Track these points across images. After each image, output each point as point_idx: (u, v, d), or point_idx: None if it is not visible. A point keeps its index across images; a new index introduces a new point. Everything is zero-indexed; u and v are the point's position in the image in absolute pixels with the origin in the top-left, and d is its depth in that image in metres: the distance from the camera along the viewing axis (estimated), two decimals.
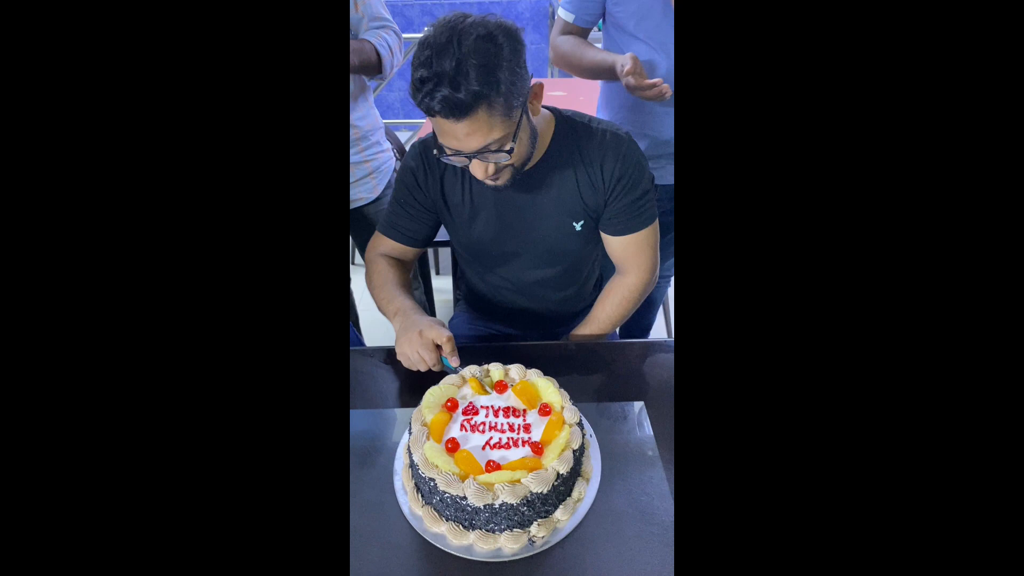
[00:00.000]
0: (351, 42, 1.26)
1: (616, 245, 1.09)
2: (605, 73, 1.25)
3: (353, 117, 1.40)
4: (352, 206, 1.51)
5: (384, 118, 1.60)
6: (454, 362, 0.96)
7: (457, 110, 0.82)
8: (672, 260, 1.64)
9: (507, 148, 0.89)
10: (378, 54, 1.31)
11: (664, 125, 1.32)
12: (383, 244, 1.14)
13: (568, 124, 1.03)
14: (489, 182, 0.95)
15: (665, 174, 1.39)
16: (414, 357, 0.97)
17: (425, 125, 0.90)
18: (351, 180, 1.47)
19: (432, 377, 0.97)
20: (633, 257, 1.09)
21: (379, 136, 1.51)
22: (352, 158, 1.44)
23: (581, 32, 1.33)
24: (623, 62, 1.16)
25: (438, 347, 0.97)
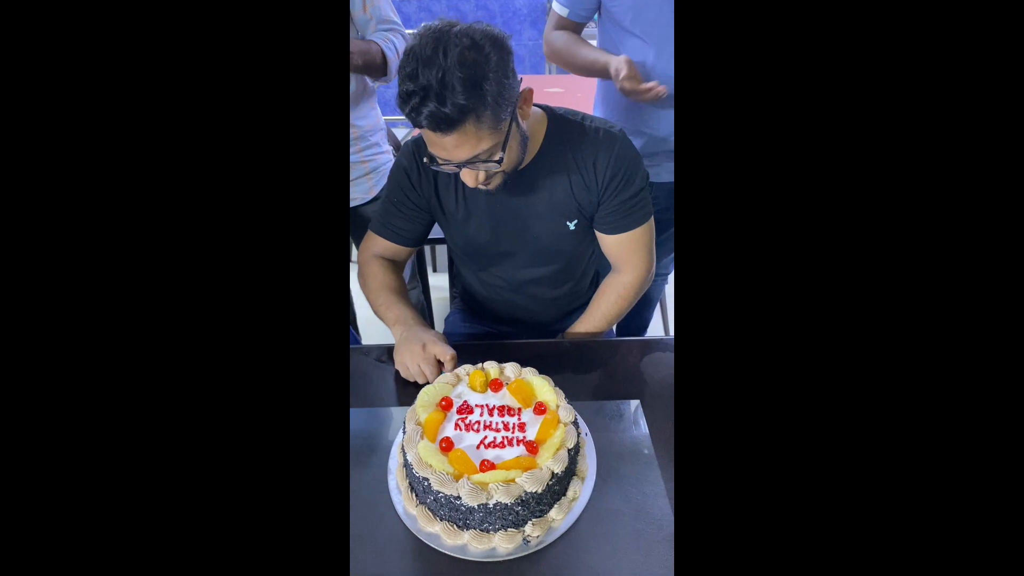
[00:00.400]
0: (358, 42, 1.25)
1: (611, 243, 1.08)
2: (599, 72, 1.25)
3: (353, 116, 1.40)
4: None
5: (382, 114, 1.59)
6: (450, 376, 0.96)
7: (444, 124, 0.81)
8: (669, 258, 1.64)
9: (496, 158, 0.88)
10: (384, 56, 1.31)
11: (661, 122, 1.32)
12: (376, 244, 1.14)
13: (560, 123, 1.02)
14: (481, 187, 0.95)
15: (662, 172, 1.39)
16: (414, 369, 0.97)
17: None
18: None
19: None
20: (628, 255, 1.09)
21: (379, 137, 1.49)
22: (350, 157, 1.43)
23: (576, 27, 1.32)
24: (617, 66, 1.15)
25: (439, 362, 0.97)
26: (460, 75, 0.78)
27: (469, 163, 0.88)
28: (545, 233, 1.07)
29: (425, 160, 0.92)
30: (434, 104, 0.79)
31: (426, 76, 0.78)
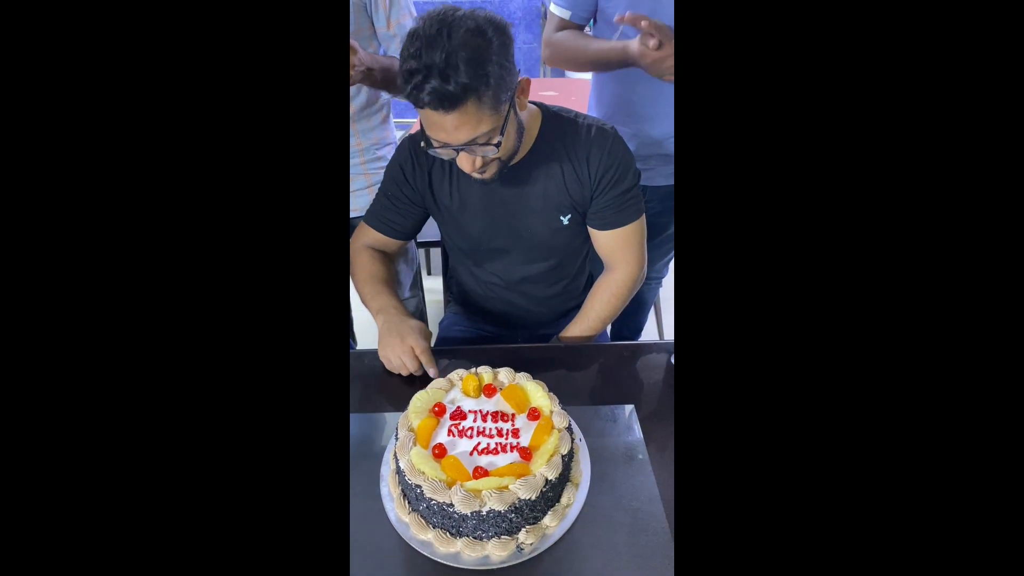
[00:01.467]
0: (380, 58, 1.24)
1: (603, 240, 1.09)
2: (615, 59, 1.20)
3: (359, 127, 1.38)
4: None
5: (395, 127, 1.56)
6: (431, 372, 0.97)
7: (446, 102, 0.82)
8: (663, 262, 1.64)
9: (495, 141, 0.89)
10: None
11: (655, 124, 1.32)
12: (368, 235, 1.16)
13: (554, 119, 1.04)
14: (476, 175, 0.95)
15: (656, 175, 1.38)
16: (396, 362, 0.99)
17: (416, 124, 0.91)
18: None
19: (421, 381, 0.96)
20: (620, 252, 1.10)
21: (386, 152, 1.46)
22: (352, 169, 1.42)
23: (576, 28, 1.32)
24: (645, 41, 1.07)
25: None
26: (464, 55, 0.80)
27: (467, 146, 0.88)
28: (539, 227, 1.08)
29: (422, 144, 0.92)
30: (437, 81, 0.80)
31: (430, 55, 0.80)
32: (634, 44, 1.11)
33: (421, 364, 0.98)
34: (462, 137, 0.87)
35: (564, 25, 1.30)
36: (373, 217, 1.15)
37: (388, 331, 1.01)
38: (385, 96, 1.40)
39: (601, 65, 1.27)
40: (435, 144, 0.90)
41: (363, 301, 1.11)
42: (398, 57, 1.28)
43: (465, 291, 1.28)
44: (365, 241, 1.16)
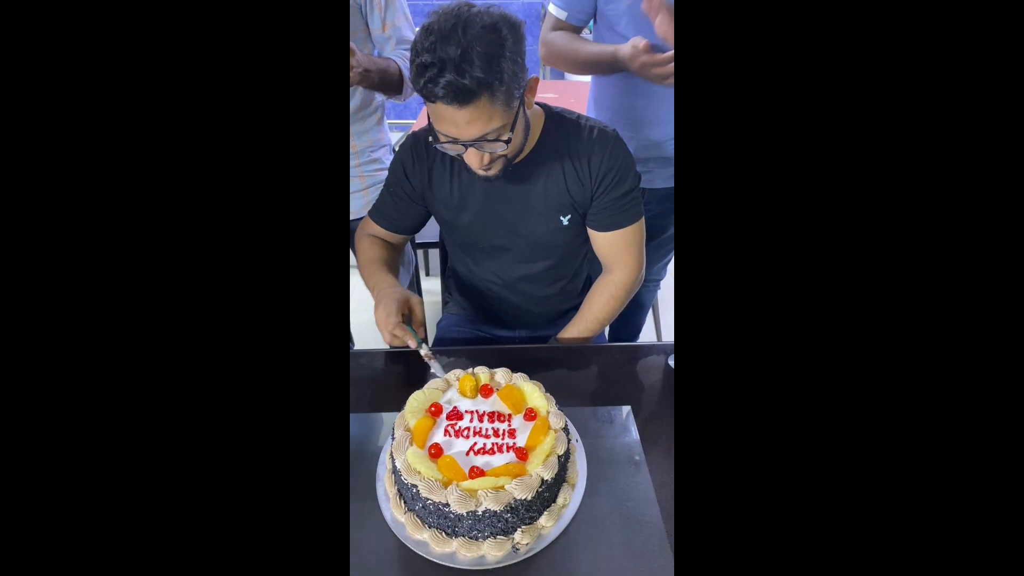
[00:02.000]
0: (376, 59, 1.24)
1: (603, 241, 1.10)
2: (604, 65, 1.21)
3: (354, 129, 1.38)
4: None
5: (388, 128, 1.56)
6: (411, 344, 0.99)
7: (461, 96, 0.82)
8: (661, 264, 1.64)
9: (504, 138, 0.89)
10: (400, 74, 1.30)
11: (654, 127, 1.32)
12: (370, 228, 1.19)
13: (557, 119, 1.05)
14: (482, 172, 0.95)
15: (655, 178, 1.39)
16: (385, 338, 1.02)
17: (415, 124, 0.91)
18: None
19: (418, 381, 0.96)
20: (619, 253, 1.10)
21: (381, 154, 1.47)
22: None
23: (573, 30, 1.32)
24: (634, 43, 1.11)
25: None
26: (480, 50, 0.80)
27: (477, 142, 0.89)
28: (538, 227, 1.09)
29: (430, 139, 0.92)
30: (453, 75, 0.80)
31: (445, 49, 0.80)
32: (624, 48, 1.12)
33: (397, 335, 1.01)
34: (473, 132, 0.87)
35: (560, 25, 1.31)
36: (375, 211, 1.18)
37: (376, 305, 1.05)
38: (379, 98, 1.41)
39: (593, 68, 1.28)
40: (442, 139, 0.90)
41: (365, 284, 1.13)
42: (393, 59, 1.29)
43: (463, 289, 1.29)
44: (367, 231, 1.20)
